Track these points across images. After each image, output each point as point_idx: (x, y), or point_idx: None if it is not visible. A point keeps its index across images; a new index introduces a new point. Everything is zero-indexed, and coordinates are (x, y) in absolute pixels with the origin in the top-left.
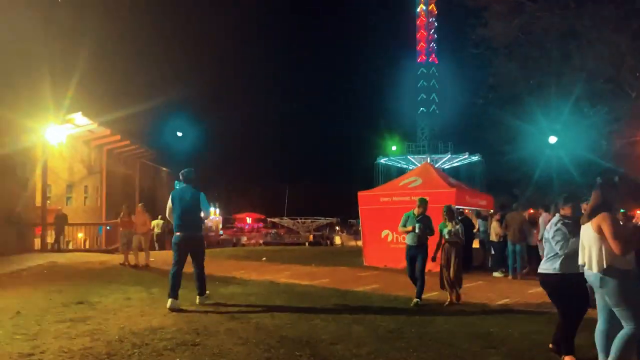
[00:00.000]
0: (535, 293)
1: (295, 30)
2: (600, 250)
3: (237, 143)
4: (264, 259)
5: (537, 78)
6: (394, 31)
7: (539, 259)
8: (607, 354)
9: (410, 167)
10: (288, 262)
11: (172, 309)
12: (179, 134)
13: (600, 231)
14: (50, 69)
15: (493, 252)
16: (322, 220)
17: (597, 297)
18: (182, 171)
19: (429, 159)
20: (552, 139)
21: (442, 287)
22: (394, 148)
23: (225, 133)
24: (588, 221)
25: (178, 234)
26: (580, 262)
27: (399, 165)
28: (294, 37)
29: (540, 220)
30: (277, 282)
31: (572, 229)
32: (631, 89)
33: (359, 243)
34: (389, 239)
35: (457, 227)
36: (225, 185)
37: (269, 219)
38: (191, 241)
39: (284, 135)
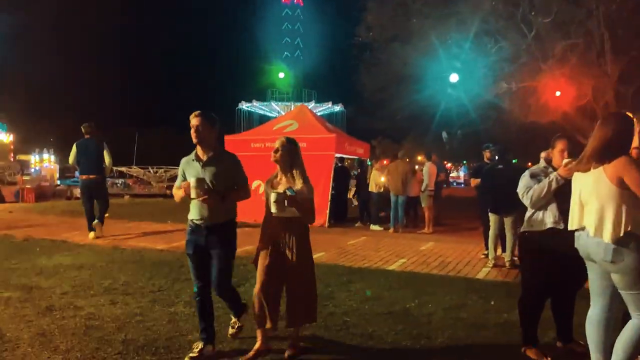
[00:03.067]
0: (428, 250)
1: None
2: (619, 210)
3: (78, 79)
4: (107, 215)
5: (424, 16)
6: None
7: (416, 211)
8: (604, 352)
9: (274, 115)
10: (138, 218)
11: (97, 237)
12: None
13: (621, 183)
14: None
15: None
16: (177, 169)
17: (595, 273)
18: (84, 124)
19: (292, 106)
20: (454, 77)
21: (261, 322)
22: (281, 75)
23: (67, 66)
24: (598, 167)
25: (83, 177)
26: (572, 226)
27: (262, 112)
28: None
29: (425, 169)
30: (122, 247)
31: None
32: (529, 29)
33: None
34: (260, 190)
35: (300, 186)
36: (64, 128)
37: (114, 168)
38: (94, 183)
39: (134, 75)
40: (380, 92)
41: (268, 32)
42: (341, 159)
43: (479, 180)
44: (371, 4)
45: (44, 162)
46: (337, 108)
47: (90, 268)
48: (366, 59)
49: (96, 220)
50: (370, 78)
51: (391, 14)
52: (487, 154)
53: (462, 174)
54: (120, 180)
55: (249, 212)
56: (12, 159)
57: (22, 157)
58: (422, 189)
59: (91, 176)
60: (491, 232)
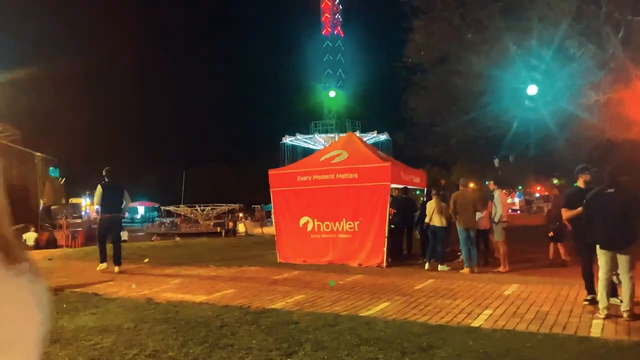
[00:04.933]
0: (514, 296)
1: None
2: None
3: (127, 122)
4: (146, 260)
5: (481, 30)
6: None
7: (487, 245)
8: None
9: (318, 147)
10: (179, 262)
11: (103, 270)
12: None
13: None
14: None
15: (424, 238)
16: (224, 207)
17: None
18: (107, 169)
19: (337, 138)
20: (532, 89)
21: None
22: (332, 94)
23: (114, 111)
24: None
25: (106, 216)
26: None
27: (306, 145)
28: (190, 6)
29: (495, 197)
30: (156, 300)
31: None
32: (615, 32)
33: (265, 230)
34: (309, 227)
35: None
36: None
37: (163, 208)
38: (114, 220)
39: (179, 115)
40: (431, 115)
41: (309, 65)
42: (405, 189)
43: (579, 210)
44: (418, 23)
45: (95, 205)
46: (383, 137)
47: (115, 331)
48: (416, 82)
49: (117, 268)
50: (421, 101)
51: (443, 31)
52: (585, 178)
53: (517, 200)
54: (168, 220)
55: (297, 251)
56: (64, 202)
57: (74, 200)
58: (495, 220)
59: (113, 214)
60: (603, 274)
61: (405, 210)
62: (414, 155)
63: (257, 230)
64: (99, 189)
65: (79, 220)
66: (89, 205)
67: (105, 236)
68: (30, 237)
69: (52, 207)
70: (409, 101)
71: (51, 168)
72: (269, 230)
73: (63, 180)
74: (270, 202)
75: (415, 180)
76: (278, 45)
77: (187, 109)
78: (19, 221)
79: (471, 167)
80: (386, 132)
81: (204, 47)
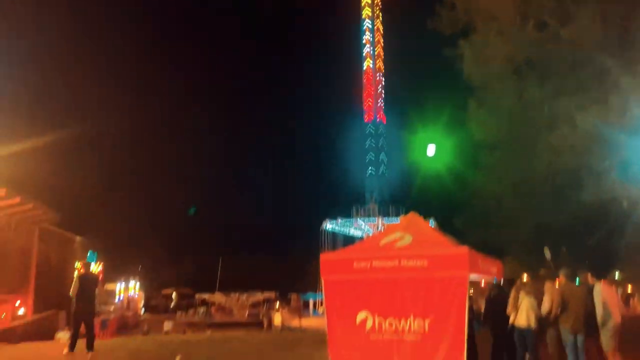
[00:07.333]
0: None
1: (233, 88)
2: None
3: (165, 208)
4: (178, 358)
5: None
6: (340, 87)
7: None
8: None
9: (359, 234)
10: None
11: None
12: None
13: None
14: None
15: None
16: (259, 295)
17: None
18: (85, 262)
19: (380, 223)
20: None
21: None
22: (431, 150)
23: (151, 196)
24: None
25: (80, 306)
26: None
27: (347, 232)
28: (233, 96)
29: (596, 293)
30: None
31: None
32: None
33: (304, 322)
34: (368, 325)
35: None
36: (152, 256)
37: (197, 295)
38: (88, 312)
39: (216, 200)
40: (495, 197)
41: (351, 150)
42: (499, 282)
43: None
44: (473, 103)
45: (129, 291)
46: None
47: None
48: (477, 161)
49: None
50: (482, 181)
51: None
52: None
53: None
54: (202, 309)
55: (353, 355)
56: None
57: (110, 286)
58: (601, 323)
59: (86, 305)
60: None
61: (495, 308)
62: (469, 242)
63: (295, 322)
64: (76, 281)
65: (111, 308)
66: (122, 291)
67: (79, 327)
68: (63, 336)
69: None
70: (470, 182)
71: (89, 252)
72: (308, 322)
73: (100, 266)
74: (308, 290)
75: (493, 270)
76: (318, 132)
77: (226, 195)
78: (52, 307)
79: (522, 258)
80: (432, 218)
81: (244, 135)
